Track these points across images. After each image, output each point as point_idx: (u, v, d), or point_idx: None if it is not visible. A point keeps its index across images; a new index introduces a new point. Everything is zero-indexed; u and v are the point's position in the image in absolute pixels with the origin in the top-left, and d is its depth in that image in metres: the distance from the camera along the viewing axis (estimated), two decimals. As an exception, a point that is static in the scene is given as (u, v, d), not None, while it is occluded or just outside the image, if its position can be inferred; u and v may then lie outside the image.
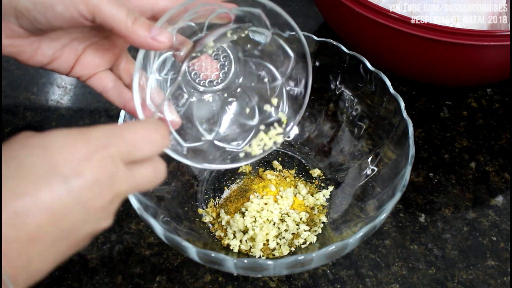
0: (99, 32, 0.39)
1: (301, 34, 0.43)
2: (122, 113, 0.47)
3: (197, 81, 0.45)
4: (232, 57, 0.46)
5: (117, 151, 0.28)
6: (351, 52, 0.51)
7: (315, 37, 0.52)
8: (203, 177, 0.55)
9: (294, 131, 0.58)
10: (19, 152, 0.27)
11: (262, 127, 0.48)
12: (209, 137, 0.47)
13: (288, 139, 0.58)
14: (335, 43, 0.52)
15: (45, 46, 0.38)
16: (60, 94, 0.65)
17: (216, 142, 0.47)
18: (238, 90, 0.48)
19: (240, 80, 0.47)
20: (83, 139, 0.28)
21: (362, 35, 0.58)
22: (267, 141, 0.47)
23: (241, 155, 0.47)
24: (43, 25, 0.35)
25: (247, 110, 0.49)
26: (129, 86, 0.42)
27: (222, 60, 0.46)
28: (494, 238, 0.51)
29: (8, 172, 0.26)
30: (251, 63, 0.47)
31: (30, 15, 0.35)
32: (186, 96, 0.46)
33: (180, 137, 0.44)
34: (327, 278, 0.49)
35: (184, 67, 0.40)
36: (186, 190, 0.53)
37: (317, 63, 0.54)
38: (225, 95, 0.47)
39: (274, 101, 0.48)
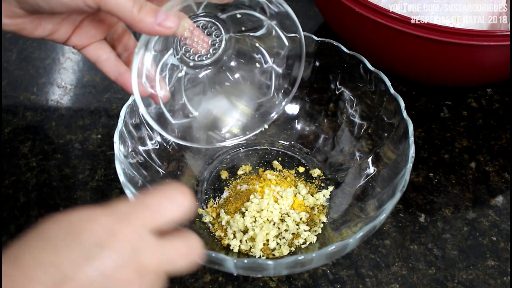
0: None
1: (300, 28, 0.43)
2: (122, 112, 0.47)
3: (187, 55, 0.46)
4: (223, 33, 0.46)
5: (140, 220, 0.28)
6: (351, 52, 0.51)
7: (315, 37, 0.52)
8: (203, 177, 0.55)
9: (294, 131, 0.58)
10: (46, 225, 0.27)
11: (248, 107, 0.49)
12: (196, 113, 0.47)
13: (288, 140, 0.58)
14: (335, 43, 0.52)
15: (45, 22, 0.39)
16: (60, 94, 0.65)
17: (203, 120, 0.47)
18: (227, 68, 0.48)
19: (230, 58, 0.47)
20: (106, 213, 0.28)
21: (362, 35, 0.58)
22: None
23: (226, 135, 0.47)
24: (45, 10, 0.36)
25: (235, 89, 0.49)
26: (120, 55, 0.42)
27: (214, 37, 0.46)
28: (494, 238, 0.51)
29: (34, 242, 0.27)
30: (244, 44, 0.47)
31: (33, 2, 0.35)
32: (175, 71, 0.46)
33: (169, 114, 0.44)
34: (327, 278, 0.49)
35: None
36: (186, 190, 0.53)
37: (317, 63, 0.54)
38: (213, 72, 0.47)
39: (263, 84, 0.49)
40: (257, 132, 0.48)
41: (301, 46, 0.45)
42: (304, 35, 0.52)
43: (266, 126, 0.48)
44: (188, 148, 0.55)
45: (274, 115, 0.48)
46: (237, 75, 0.49)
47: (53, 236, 0.27)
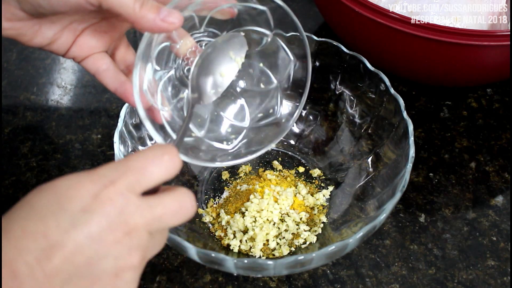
0: (99, 13, 0.39)
1: (305, 37, 0.42)
2: (122, 112, 0.47)
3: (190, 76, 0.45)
4: None
5: (125, 184, 0.28)
6: (351, 52, 0.51)
7: (315, 37, 0.52)
8: (203, 177, 0.55)
9: (294, 131, 0.58)
10: (32, 197, 0.28)
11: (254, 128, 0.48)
12: (199, 134, 0.47)
13: (288, 140, 0.58)
14: (335, 43, 0.52)
15: (45, 29, 0.38)
16: (60, 94, 0.65)
17: (206, 140, 0.47)
18: (232, 89, 0.48)
19: (234, 79, 0.47)
20: (90, 178, 0.28)
21: (362, 35, 0.58)
22: None
23: (230, 156, 0.46)
24: (46, 10, 0.35)
25: (239, 110, 0.48)
26: (118, 63, 0.42)
27: None
28: (494, 238, 0.51)
29: (21, 213, 0.27)
30: (247, 64, 0.47)
31: (33, 0, 0.35)
32: (178, 91, 0.45)
33: (172, 132, 0.44)
34: (327, 278, 0.49)
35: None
36: (186, 190, 0.53)
37: (317, 63, 0.54)
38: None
39: (269, 105, 0.48)
40: (263, 152, 0.47)
41: (307, 55, 0.44)
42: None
43: (273, 146, 0.48)
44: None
45: (280, 136, 0.47)
46: (241, 96, 0.48)
47: (40, 205, 0.27)
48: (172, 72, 0.43)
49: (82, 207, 0.27)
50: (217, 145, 0.47)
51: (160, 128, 0.43)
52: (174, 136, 0.44)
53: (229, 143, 0.47)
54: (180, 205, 0.30)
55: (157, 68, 0.41)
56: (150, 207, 0.29)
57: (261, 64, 0.47)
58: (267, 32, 0.44)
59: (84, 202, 0.27)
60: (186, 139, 0.45)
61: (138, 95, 0.37)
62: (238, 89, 0.48)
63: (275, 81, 0.47)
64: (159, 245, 0.31)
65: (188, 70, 0.44)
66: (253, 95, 0.48)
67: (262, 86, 0.48)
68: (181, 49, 0.42)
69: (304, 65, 0.45)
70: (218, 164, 0.46)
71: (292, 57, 0.45)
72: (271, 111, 0.48)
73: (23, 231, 0.26)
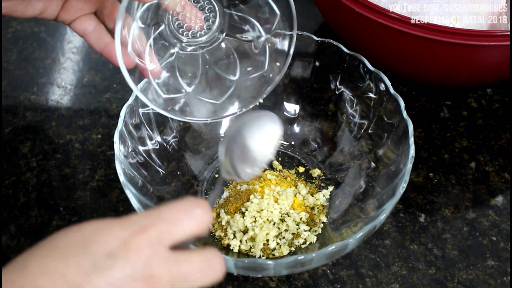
0: None
1: None
2: (122, 112, 0.47)
3: (180, 31, 0.45)
4: (217, 9, 0.45)
5: (155, 233, 0.27)
6: (351, 52, 0.51)
7: (315, 37, 0.52)
8: (203, 177, 0.55)
9: (294, 131, 0.58)
10: (58, 236, 0.27)
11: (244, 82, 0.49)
12: (189, 89, 0.47)
13: (288, 140, 0.58)
14: (335, 43, 0.52)
15: (35, 1, 0.39)
16: (60, 94, 0.65)
17: (196, 95, 0.47)
18: (221, 43, 0.48)
19: (224, 33, 0.47)
20: (121, 224, 0.27)
21: (362, 35, 0.58)
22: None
23: (221, 110, 0.47)
24: None
25: (229, 64, 0.49)
26: (111, 31, 0.42)
27: (207, 12, 0.46)
28: (494, 238, 0.51)
29: (43, 252, 0.26)
30: (236, 17, 0.47)
31: None
32: (168, 46, 0.45)
33: (159, 88, 0.44)
34: (327, 278, 0.49)
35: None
36: (186, 190, 0.53)
37: (317, 63, 0.54)
38: (207, 48, 0.47)
39: (258, 58, 0.48)
40: (251, 106, 0.48)
41: (292, 16, 0.44)
42: (304, 35, 0.52)
43: (261, 100, 0.48)
44: (188, 148, 0.55)
45: (269, 89, 0.48)
46: (231, 50, 0.48)
47: (63, 245, 0.26)
48: (163, 27, 0.44)
49: (107, 252, 0.26)
50: (207, 100, 0.48)
51: (157, 95, 0.43)
52: (163, 95, 0.44)
53: (219, 97, 0.48)
54: (208, 265, 0.29)
55: (143, 25, 0.41)
56: (177, 263, 0.28)
57: (249, 17, 0.47)
58: None
59: (111, 247, 0.26)
60: (176, 95, 0.46)
61: (120, 53, 0.37)
62: (228, 42, 0.48)
63: (263, 33, 0.47)
64: None
65: (179, 25, 0.44)
66: (242, 47, 0.48)
67: (250, 38, 0.48)
68: (171, 4, 0.42)
69: (290, 24, 0.45)
70: (209, 120, 0.47)
71: (277, 11, 0.45)
72: (260, 64, 0.48)
73: (41, 268, 0.25)
